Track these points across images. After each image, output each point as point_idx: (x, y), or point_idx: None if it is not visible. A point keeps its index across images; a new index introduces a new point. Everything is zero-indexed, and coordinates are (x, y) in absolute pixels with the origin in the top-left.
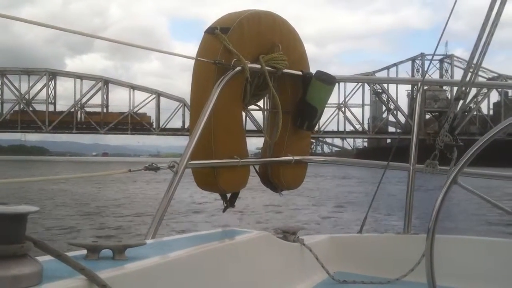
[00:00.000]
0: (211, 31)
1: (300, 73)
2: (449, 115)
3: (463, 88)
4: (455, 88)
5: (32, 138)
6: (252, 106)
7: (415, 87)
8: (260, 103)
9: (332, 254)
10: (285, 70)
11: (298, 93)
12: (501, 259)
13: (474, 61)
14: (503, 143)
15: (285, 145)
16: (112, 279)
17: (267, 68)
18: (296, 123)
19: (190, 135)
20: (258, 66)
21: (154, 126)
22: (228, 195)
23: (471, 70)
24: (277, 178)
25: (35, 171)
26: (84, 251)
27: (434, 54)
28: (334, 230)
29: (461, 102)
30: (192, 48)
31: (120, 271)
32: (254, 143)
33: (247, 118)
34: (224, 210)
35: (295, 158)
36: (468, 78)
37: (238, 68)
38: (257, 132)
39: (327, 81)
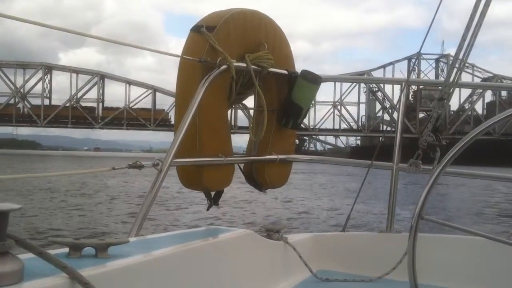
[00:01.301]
0: (196, 29)
1: (285, 72)
2: (432, 115)
3: (447, 89)
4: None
5: (23, 132)
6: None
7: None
8: (248, 101)
9: (315, 252)
10: (271, 69)
11: (284, 92)
12: (483, 257)
13: (457, 63)
14: (498, 142)
15: (270, 144)
16: (94, 277)
17: (252, 66)
18: (281, 122)
19: (175, 133)
20: (244, 64)
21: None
22: (213, 194)
23: (456, 68)
24: (261, 176)
25: (38, 165)
26: (66, 249)
27: (419, 53)
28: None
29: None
30: None
31: (102, 269)
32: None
33: (244, 114)
34: (208, 209)
35: (280, 157)
36: (451, 79)
37: (224, 66)
38: None
39: (313, 80)
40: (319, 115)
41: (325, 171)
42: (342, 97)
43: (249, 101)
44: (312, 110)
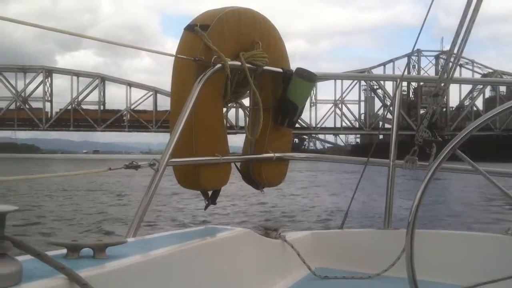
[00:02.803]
0: (190, 29)
1: (280, 70)
2: (428, 111)
3: (442, 85)
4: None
5: (22, 135)
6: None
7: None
8: (243, 100)
9: (313, 250)
10: (266, 67)
11: (279, 90)
12: (480, 253)
13: (452, 58)
14: (500, 138)
15: (266, 142)
16: (92, 278)
17: (247, 65)
18: (277, 120)
19: (170, 133)
20: (238, 63)
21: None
22: (210, 193)
23: (451, 64)
24: (258, 175)
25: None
26: (64, 250)
27: (412, 51)
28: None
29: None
30: None
31: (100, 269)
32: None
33: (244, 114)
34: (205, 208)
35: (276, 155)
36: (446, 75)
37: (218, 65)
38: None
39: (308, 78)
40: (320, 113)
41: (329, 169)
42: (343, 95)
43: (245, 100)
44: (313, 108)
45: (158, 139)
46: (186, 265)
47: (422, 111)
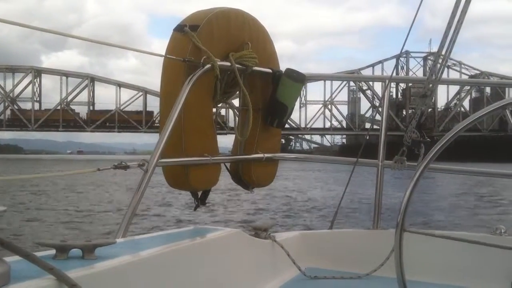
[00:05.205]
0: (180, 29)
1: (269, 70)
2: (416, 112)
3: (430, 85)
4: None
5: (5, 136)
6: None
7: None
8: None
9: (303, 250)
10: (255, 68)
11: (268, 91)
12: (469, 253)
13: (440, 60)
14: (489, 138)
15: (255, 143)
16: (81, 279)
17: (237, 65)
18: (267, 121)
19: (160, 133)
20: (228, 63)
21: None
22: (199, 193)
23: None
24: (248, 175)
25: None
26: (53, 251)
27: (400, 55)
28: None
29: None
30: None
31: (89, 270)
32: None
33: (234, 115)
34: (195, 209)
35: (266, 156)
36: (434, 76)
37: (208, 65)
38: None
39: (297, 78)
40: (309, 114)
41: (320, 168)
42: (333, 96)
43: (235, 101)
44: (302, 109)
45: (143, 140)
46: (175, 265)
47: (410, 112)
